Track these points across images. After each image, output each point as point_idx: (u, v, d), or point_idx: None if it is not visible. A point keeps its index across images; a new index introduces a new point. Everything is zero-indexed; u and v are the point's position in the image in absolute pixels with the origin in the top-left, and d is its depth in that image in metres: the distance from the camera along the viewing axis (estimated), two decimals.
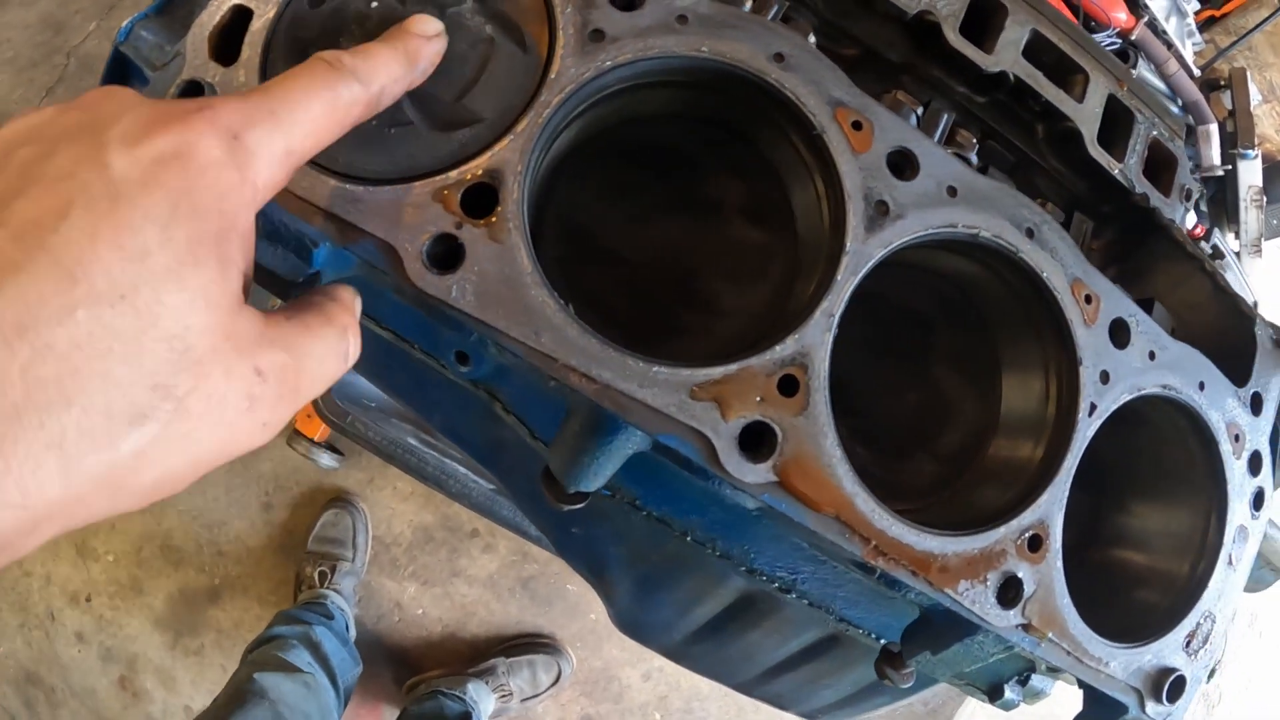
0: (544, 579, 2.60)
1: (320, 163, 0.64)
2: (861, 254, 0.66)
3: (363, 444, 1.93)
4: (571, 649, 2.60)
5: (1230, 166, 3.27)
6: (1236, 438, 0.97)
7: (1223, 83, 3.42)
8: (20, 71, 2.77)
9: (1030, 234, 0.78)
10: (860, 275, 0.65)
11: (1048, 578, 0.80)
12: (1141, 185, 1.11)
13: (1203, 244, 1.31)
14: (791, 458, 0.62)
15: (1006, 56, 1.02)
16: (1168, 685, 0.91)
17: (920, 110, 1.05)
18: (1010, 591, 0.77)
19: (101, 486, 0.39)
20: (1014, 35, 1.03)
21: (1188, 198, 1.22)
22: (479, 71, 0.66)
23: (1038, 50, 1.06)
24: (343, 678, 2.10)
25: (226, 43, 0.68)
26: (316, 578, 2.42)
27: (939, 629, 0.86)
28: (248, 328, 0.45)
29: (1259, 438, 1.00)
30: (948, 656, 0.87)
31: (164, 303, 0.40)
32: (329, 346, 0.52)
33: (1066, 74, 1.09)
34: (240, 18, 0.68)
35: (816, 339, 0.64)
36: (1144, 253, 1.16)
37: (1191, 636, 0.94)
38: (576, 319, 0.59)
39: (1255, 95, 3.37)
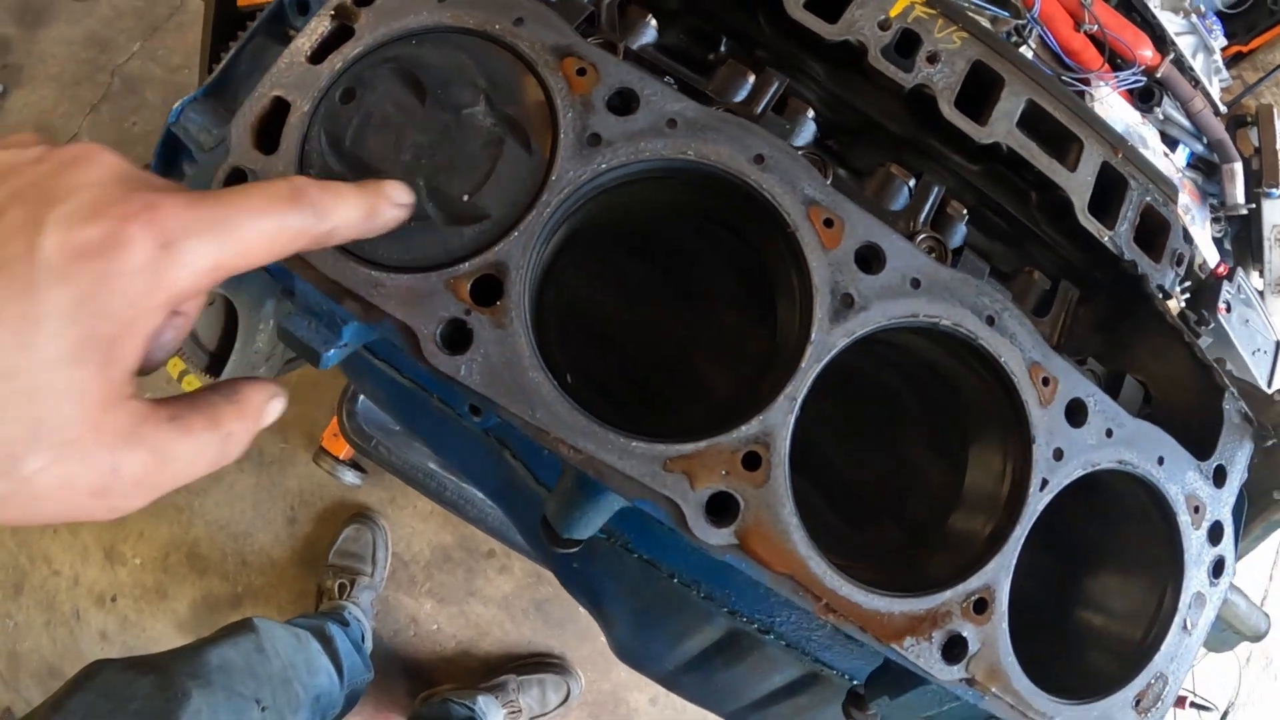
0: (557, 601, 2.70)
1: (351, 250, 0.76)
2: (825, 344, 0.75)
3: (385, 467, 2.06)
4: (581, 671, 2.71)
5: (1255, 205, 3.32)
6: (1196, 509, 1.00)
7: (1249, 119, 3.46)
8: (65, 88, 2.95)
9: (990, 321, 0.85)
10: (823, 362, 0.75)
11: (992, 637, 0.86)
12: (1131, 252, 1.16)
13: (1189, 314, 1.36)
14: (752, 524, 0.71)
15: (1000, 128, 1.08)
16: None
17: (912, 183, 1.11)
18: (955, 649, 0.84)
19: None
20: (1009, 106, 1.08)
21: (1179, 262, 1.25)
22: (489, 171, 0.77)
23: (1034, 119, 1.11)
24: (350, 677, 2.18)
25: (267, 132, 0.77)
26: (336, 590, 2.54)
27: (896, 677, 0.93)
28: (119, 423, 0.50)
29: (1221, 509, 1.03)
30: (903, 702, 0.93)
31: (39, 389, 0.46)
32: (201, 450, 0.55)
33: (1062, 142, 1.14)
34: (279, 109, 0.77)
35: (779, 420, 0.73)
36: (1130, 323, 1.20)
37: (1142, 696, 0.98)
38: (567, 397, 0.69)
39: None
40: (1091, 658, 1.04)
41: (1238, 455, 1.06)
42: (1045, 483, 0.88)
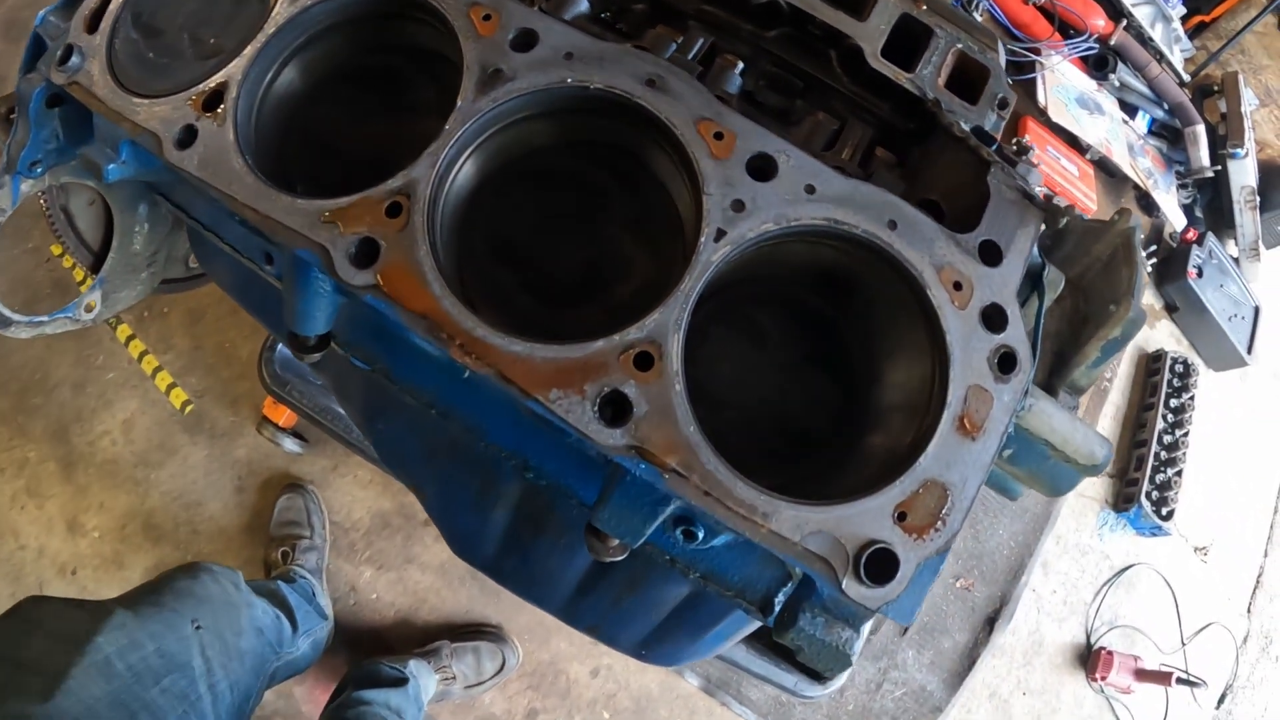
0: None
1: (129, 86, 1.10)
2: (469, 110, 0.98)
3: (299, 412, 2.37)
4: (519, 641, 2.93)
5: (1220, 168, 3.56)
6: (957, 285, 0.95)
7: (1216, 88, 3.72)
8: None
9: (651, 83, 0.98)
10: (466, 125, 0.97)
11: (664, 401, 0.87)
12: (936, 93, 1.20)
13: (1007, 146, 1.31)
14: (391, 265, 0.93)
15: None
16: (866, 559, 0.86)
17: (680, 40, 1.25)
18: (614, 409, 0.89)
19: None
20: None
21: (1003, 106, 1.27)
22: (232, 21, 1.09)
23: None
24: (305, 625, 2.33)
25: (95, 20, 1.11)
26: (280, 557, 2.81)
27: (607, 482, 0.98)
28: None
29: (997, 290, 0.96)
30: (615, 506, 0.95)
31: None
32: None
33: (861, 2, 1.23)
34: (104, 3, 1.11)
35: (420, 174, 0.96)
36: (930, 157, 1.23)
37: (907, 507, 0.86)
38: (255, 172, 1.00)
39: (1251, 99, 3.67)
40: (866, 475, 0.97)
41: (1016, 234, 1.02)
42: (722, 233, 0.93)
